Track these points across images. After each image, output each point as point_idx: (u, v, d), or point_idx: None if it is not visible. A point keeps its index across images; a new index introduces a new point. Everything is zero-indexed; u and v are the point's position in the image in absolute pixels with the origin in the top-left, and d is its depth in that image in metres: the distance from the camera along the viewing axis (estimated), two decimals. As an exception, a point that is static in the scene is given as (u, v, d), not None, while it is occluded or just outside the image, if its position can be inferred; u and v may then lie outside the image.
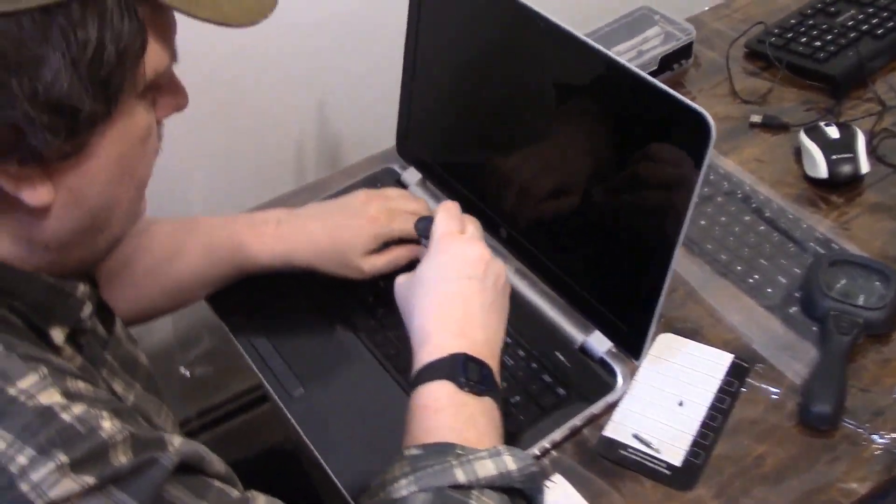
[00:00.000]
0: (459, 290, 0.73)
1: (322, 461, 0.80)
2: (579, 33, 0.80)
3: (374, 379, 0.87)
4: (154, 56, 0.55)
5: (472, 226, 0.80)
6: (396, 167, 1.08)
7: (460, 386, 0.68)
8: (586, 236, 0.85)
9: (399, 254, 0.90)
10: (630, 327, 0.81)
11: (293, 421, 0.84)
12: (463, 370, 0.68)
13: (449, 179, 1.00)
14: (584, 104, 0.83)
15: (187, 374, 1.29)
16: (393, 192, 0.95)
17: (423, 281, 0.75)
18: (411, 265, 0.89)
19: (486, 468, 0.63)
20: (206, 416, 1.49)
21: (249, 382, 1.48)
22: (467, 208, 0.97)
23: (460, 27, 0.94)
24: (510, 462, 0.64)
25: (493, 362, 0.71)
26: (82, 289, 0.62)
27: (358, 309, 0.92)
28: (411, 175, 1.05)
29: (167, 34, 0.56)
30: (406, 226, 0.88)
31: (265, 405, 1.49)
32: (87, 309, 0.63)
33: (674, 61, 1.16)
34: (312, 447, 0.82)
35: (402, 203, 0.91)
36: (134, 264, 0.88)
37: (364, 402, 0.85)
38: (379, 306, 0.92)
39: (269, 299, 0.94)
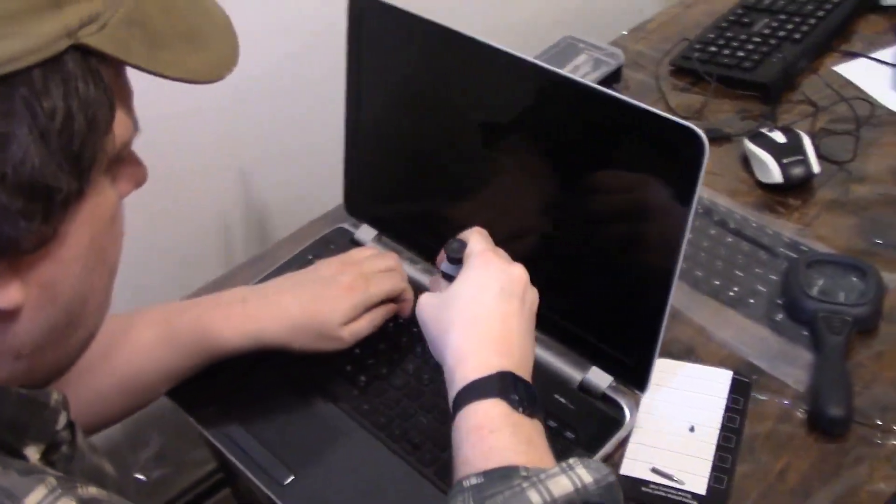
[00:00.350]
0: (499, 306, 0.69)
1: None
2: (538, 60, 0.78)
3: (368, 452, 0.81)
4: (120, 125, 0.50)
5: (502, 251, 0.76)
6: (347, 226, 1.03)
7: (514, 405, 0.63)
8: (573, 273, 0.82)
9: (377, 314, 0.85)
10: (632, 359, 0.78)
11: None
12: (514, 388, 0.64)
13: (407, 231, 0.96)
14: (550, 134, 0.81)
15: (143, 478, 1.20)
16: (359, 253, 0.89)
17: (460, 296, 0.71)
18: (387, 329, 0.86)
19: (561, 485, 0.57)
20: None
21: (201, 472, 1.40)
22: (431, 259, 0.94)
23: (403, 71, 0.91)
24: (585, 475, 0.58)
25: (533, 382, 0.67)
26: (55, 397, 0.55)
27: (336, 379, 0.87)
28: (365, 232, 1.01)
29: (130, 100, 0.51)
30: (384, 287, 0.84)
31: (222, 492, 1.40)
32: (63, 420, 0.56)
33: (605, 86, 1.16)
34: None
35: (375, 264, 0.86)
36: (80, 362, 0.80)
37: (362, 477, 0.79)
38: (359, 373, 0.86)
39: (235, 381, 0.86)
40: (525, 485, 0.57)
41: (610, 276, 0.78)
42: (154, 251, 1.18)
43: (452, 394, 0.66)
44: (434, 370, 0.84)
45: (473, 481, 0.58)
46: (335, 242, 1.02)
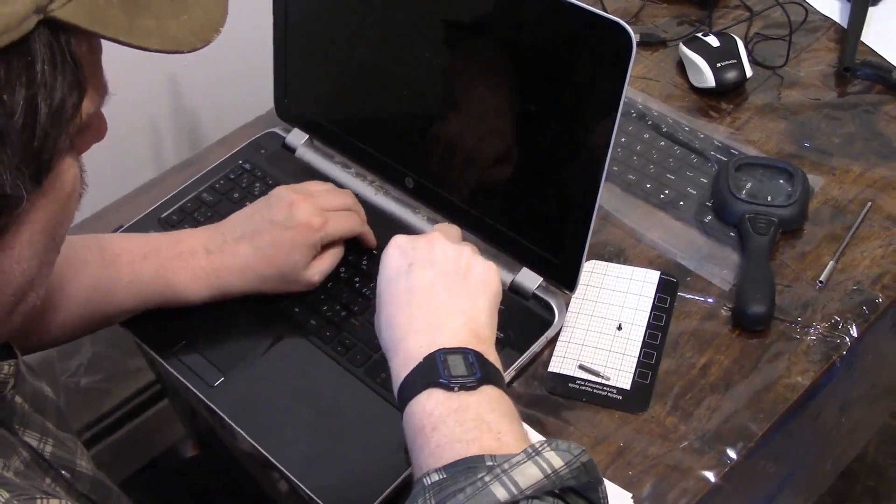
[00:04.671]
0: (408, 284, 0.63)
1: (258, 446, 0.74)
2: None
3: (300, 355, 0.81)
4: (90, 101, 0.46)
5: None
6: (279, 130, 1.01)
7: (448, 387, 0.57)
8: (502, 171, 0.81)
9: (339, 250, 0.83)
10: (561, 259, 0.79)
11: (218, 411, 0.78)
12: (444, 367, 0.58)
13: (341, 135, 0.94)
14: (481, 33, 0.79)
15: (72, 387, 1.19)
16: (315, 186, 0.85)
17: (377, 298, 0.65)
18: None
19: (529, 475, 0.51)
20: (96, 426, 1.39)
21: (138, 384, 1.39)
22: (366, 162, 0.93)
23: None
24: (554, 459, 0.52)
25: (482, 344, 0.61)
26: (6, 369, 0.54)
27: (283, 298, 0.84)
28: (297, 137, 0.99)
29: (100, 64, 0.47)
30: (342, 226, 0.82)
31: (160, 404, 1.40)
32: (8, 385, 0.55)
33: (543, -11, 1.14)
34: (245, 434, 0.76)
35: (331, 200, 0.83)
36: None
37: (293, 379, 0.79)
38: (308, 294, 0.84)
39: None
40: (488, 478, 0.51)
41: (539, 177, 0.78)
42: (84, 155, 1.15)
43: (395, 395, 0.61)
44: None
45: (434, 478, 0.53)
46: (266, 147, 1.00)
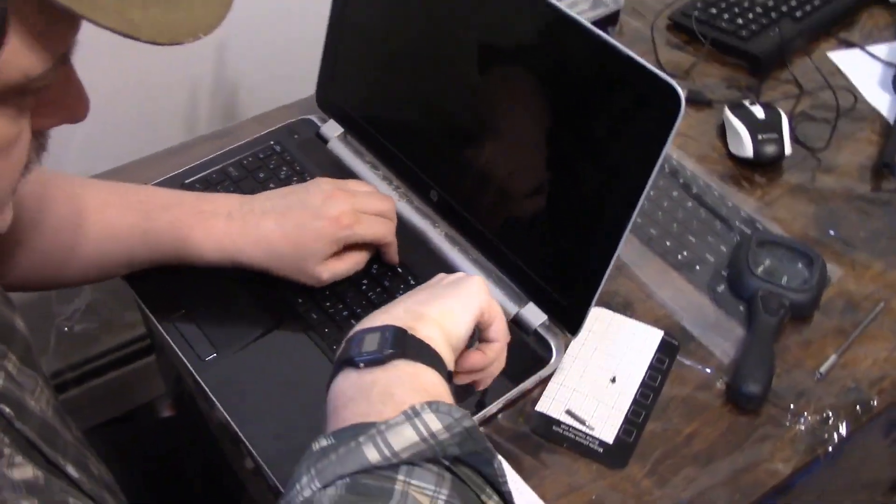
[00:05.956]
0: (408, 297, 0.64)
1: (233, 424, 0.75)
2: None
3: (297, 346, 0.81)
4: (19, 57, 0.42)
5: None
6: (315, 118, 1.01)
7: (358, 365, 0.55)
8: (528, 205, 0.81)
9: (360, 257, 0.83)
10: (570, 302, 0.79)
11: (204, 386, 0.78)
12: (357, 345, 0.56)
13: (375, 135, 0.95)
14: (528, 64, 0.79)
15: (65, 329, 1.19)
16: (357, 185, 0.84)
17: None
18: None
19: (404, 436, 0.49)
20: (79, 370, 1.39)
21: (128, 335, 1.39)
22: (395, 167, 0.93)
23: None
24: (433, 421, 0.49)
25: (417, 321, 0.59)
26: None
27: (292, 289, 0.84)
28: (332, 128, 0.99)
29: (51, 34, 0.43)
30: (372, 231, 0.81)
31: (146, 359, 1.40)
32: None
33: (600, 27, 1.14)
34: (224, 412, 0.76)
35: (368, 203, 0.82)
36: (41, 230, 0.76)
37: (283, 367, 0.79)
38: (320, 291, 0.84)
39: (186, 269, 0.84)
40: (363, 439, 0.49)
41: (564, 217, 0.78)
42: (118, 106, 1.15)
43: None
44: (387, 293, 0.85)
45: (323, 443, 0.50)
46: (299, 132, 1.00)
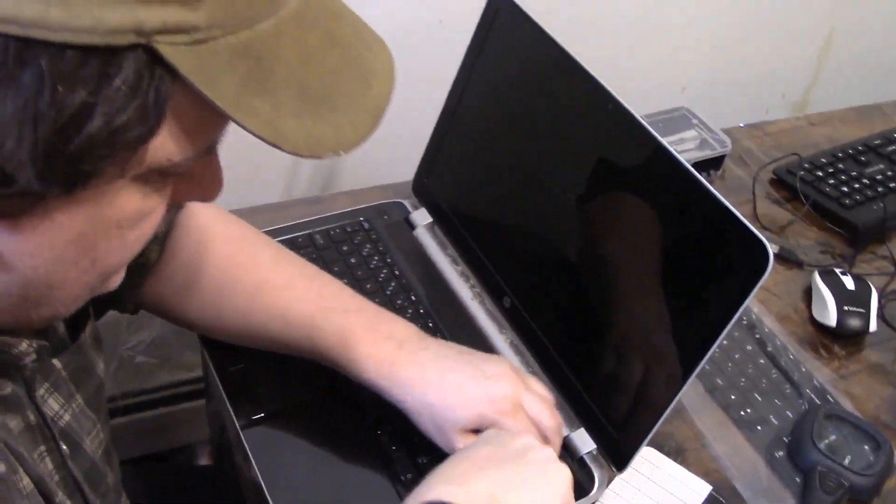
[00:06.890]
0: (476, 449, 0.67)
1: (266, 491, 0.74)
2: (646, 123, 0.77)
3: (345, 428, 0.80)
4: (167, 145, 0.43)
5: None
6: (407, 204, 1.03)
7: None
8: (598, 331, 0.81)
9: None
10: (622, 436, 0.77)
11: (245, 445, 0.78)
12: None
13: (462, 232, 0.96)
14: (630, 196, 0.80)
15: (126, 357, 1.22)
16: (538, 387, 0.78)
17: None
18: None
19: None
20: (131, 400, 1.41)
21: (185, 375, 1.41)
22: (474, 265, 0.94)
23: (517, 78, 0.91)
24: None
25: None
26: (24, 347, 0.54)
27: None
28: (421, 216, 1.01)
29: (202, 129, 0.45)
30: (518, 428, 0.74)
31: (196, 402, 1.42)
32: (28, 359, 0.55)
33: (703, 169, 1.15)
34: (258, 473, 0.76)
35: (536, 408, 0.75)
36: (225, 291, 0.79)
37: (329, 447, 0.79)
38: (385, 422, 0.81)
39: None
40: None
41: (631, 350, 0.77)
42: (237, 154, 1.19)
43: None
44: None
45: None
46: (389, 214, 1.02)
